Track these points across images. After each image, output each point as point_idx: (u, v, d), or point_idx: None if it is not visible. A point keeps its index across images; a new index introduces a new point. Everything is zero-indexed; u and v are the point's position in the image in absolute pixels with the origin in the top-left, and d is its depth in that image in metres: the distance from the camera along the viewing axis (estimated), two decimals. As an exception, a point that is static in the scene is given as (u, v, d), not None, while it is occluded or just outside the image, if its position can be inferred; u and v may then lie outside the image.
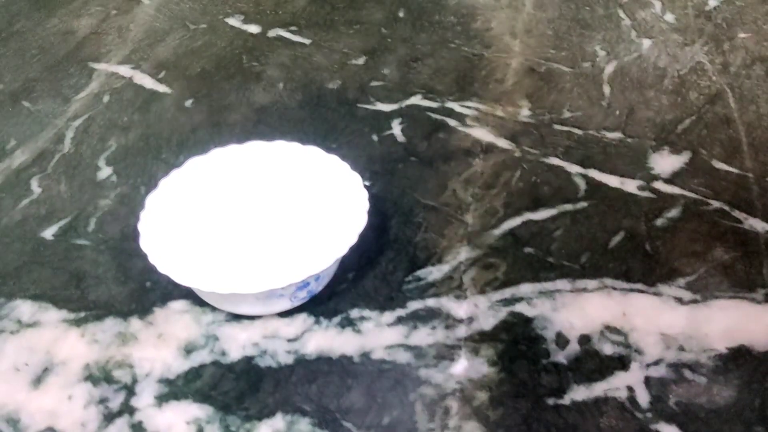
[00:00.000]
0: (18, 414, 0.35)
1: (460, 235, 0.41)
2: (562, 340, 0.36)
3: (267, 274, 0.36)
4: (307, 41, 0.56)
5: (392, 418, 0.33)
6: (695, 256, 0.39)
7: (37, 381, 0.36)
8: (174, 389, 0.35)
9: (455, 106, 0.49)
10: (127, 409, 0.35)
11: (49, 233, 0.43)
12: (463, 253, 0.40)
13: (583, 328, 0.36)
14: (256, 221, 0.39)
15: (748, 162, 0.43)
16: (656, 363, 0.35)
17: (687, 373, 0.34)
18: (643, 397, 0.34)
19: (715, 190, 0.42)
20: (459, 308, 0.38)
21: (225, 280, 0.35)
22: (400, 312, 0.38)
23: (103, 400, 0.35)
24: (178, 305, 0.39)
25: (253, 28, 0.58)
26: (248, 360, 0.36)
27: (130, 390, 0.35)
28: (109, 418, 0.34)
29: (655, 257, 0.39)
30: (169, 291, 0.39)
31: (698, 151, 0.45)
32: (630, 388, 0.34)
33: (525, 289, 0.38)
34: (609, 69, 0.51)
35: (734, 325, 0.36)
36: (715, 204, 0.42)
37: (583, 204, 0.43)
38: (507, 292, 0.38)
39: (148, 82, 0.53)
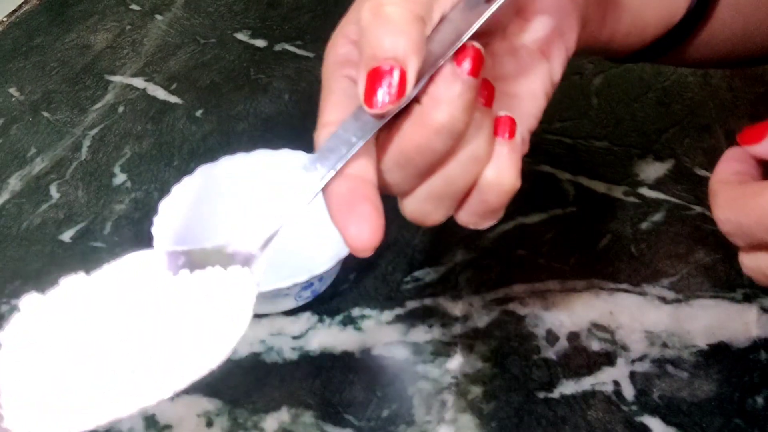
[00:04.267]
0: (39, 405, 0.37)
1: (456, 238, 0.43)
2: (552, 337, 0.37)
3: (273, 275, 0.38)
4: (311, 54, 0.58)
5: (391, 411, 0.35)
6: (678, 258, 0.41)
7: (57, 375, 0.38)
8: (185, 383, 0.37)
9: (452, 117, 0.51)
10: (142, 401, 0.36)
11: (66, 236, 0.45)
12: (459, 255, 0.42)
13: (572, 325, 0.38)
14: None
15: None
16: (641, 359, 0.36)
17: (670, 369, 0.36)
18: (629, 391, 0.35)
19: (697, 196, 0.44)
20: (455, 307, 0.39)
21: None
22: (399, 311, 0.39)
23: (119, 393, 0.37)
24: (190, 304, 0.40)
25: (260, 43, 0.59)
26: (255, 356, 0.38)
27: (144, 383, 0.37)
28: (125, 409, 0.36)
29: (640, 259, 0.41)
30: (181, 291, 0.40)
31: (681, 159, 0.46)
32: (616, 383, 0.35)
33: (517, 289, 0.40)
34: (597, 81, 0.53)
35: (715, 322, 0.37)
36: (697, 209, 0.43)
37: (572, 209, 0.44)
38: (500, 292, 0.40)
39: (160, 93, 0.55)
